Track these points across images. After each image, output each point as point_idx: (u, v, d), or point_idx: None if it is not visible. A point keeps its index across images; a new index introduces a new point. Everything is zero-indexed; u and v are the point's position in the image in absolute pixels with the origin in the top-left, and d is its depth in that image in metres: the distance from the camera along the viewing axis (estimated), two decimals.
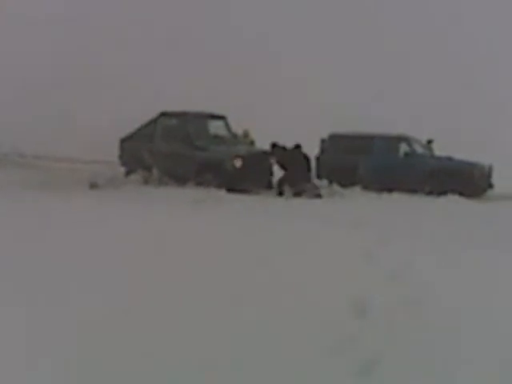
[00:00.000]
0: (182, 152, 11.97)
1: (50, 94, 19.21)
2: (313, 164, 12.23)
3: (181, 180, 11.75)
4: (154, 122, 12.70)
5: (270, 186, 12.05)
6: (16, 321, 3.62)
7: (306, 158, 11.75)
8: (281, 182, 11.43)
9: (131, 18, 20.98)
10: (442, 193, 11.15)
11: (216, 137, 12.78)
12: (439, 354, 3.26)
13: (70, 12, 21.31)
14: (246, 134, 13.77)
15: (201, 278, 4.41)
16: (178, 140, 12.17)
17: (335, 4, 19.87)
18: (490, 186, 12.36)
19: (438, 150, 12.86)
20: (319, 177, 12.63)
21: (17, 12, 21.40)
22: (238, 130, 13.55)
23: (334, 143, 13.12)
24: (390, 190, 11.50)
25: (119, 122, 12.98)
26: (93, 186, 11.61)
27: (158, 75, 18.72)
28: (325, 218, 7.69)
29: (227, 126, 13.17)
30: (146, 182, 12.18)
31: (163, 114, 12.65)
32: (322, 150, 13.22)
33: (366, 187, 11.94)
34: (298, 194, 10.99)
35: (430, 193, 11.48)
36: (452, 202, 10.30)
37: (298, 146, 11.72)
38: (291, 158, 11.49)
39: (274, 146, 11.85)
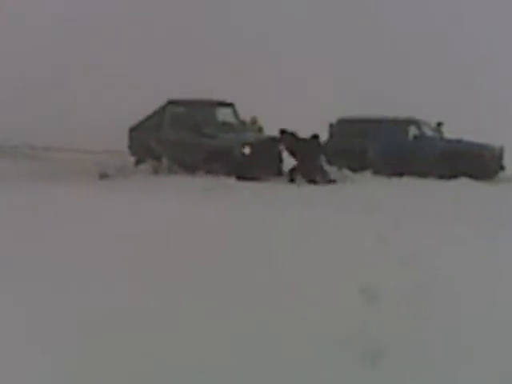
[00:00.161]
0: (191, 140, 11.95)
1: (51, 92, 19.27)
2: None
3: (190, 168, 11.74)
4: (161, 110, 12.68)
5: (279, 173, 12.01)
6: (29, 308, 3.66)
7: (320, 147, 11.71)
8: (293, 170, 11.35)
9: (131, 18, 20.94)
10: (453, 176, 11.06)
11: (224, 124, 12.74)
12: (450, 340, 3.24)
13: (70, 12, 21.29)
14: (253, 121, 13.71)
15: (212, 266, 4.42)
16: (187, 128, 12.15)
17: (335, 4, 19.72)
18: (502, 167, 12.24)
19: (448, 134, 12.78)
20: (328, 162, 12.57)
21: (17, 12, 21.38)
22: (246, 117, 13.51)
23: (343, 128, 13.06)
24: (400, 174, 11.44)
25: (125, 113, 12.97)
26: (103, 176, 11.64)
27: (158, 75, 18.68)
28: (336, 204, 7.65)
29: (235, 113, 13.12)
30: (155, 171, 12.18)
31: (171, 102, 12.62)
32: (331, 135, 13.16)
33: (376, 171, 11.88)
34: (310, 182, 10.92)
35: (440, 176, 11.40)
36: (463, 185, 10.21)
37: (315, 136, 11.66)
38: (307, 147, 11.40)
39: (282, 132, 11.79)
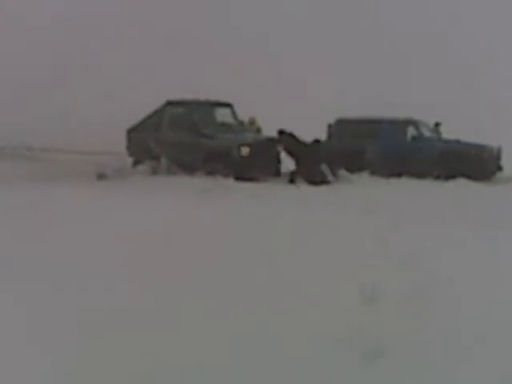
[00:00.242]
0: (189, 140, 11.93)
1: (51, 92, 19.25)
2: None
3: (189, 169, 11.72)
4: (160, 111, 12.66)
5: (278, 174, 12.00)
6: (28, 307, 3.65)
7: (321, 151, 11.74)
8: (294, 173, 11.33)
9: (131, 18, 20.94)
10: (451, 176, 11.07)
11: (223, 125, 12.72)
12: (450, 340, 3.23)
13: (70, 12, 21.29)
14: (252, 121, 13.70)
15: (210, 267, 4.41)
16: (185, 128, 12.13)
17: (335, 4, 19.75)
18: (500, 168, 12.25)
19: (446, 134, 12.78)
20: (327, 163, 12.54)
21: (17, 12, 21.38)
22: (246, 117, 13.50)
23: (341, 128, 13.05)
24: (398, 175, 11.44)
25: (122, 115, 12.95)
26: (100, 176, 11.62)
27: (158, 75, 18.68)
28: (335, 205, 7.65)
29: (233, 113, 13.11)
30: (154, 171, 12.17)
31: (169, 103, 12.61)
32: (329, 136, 13.15)
33: (374, 172, 11.87)
34: (310, 183, 10.89)
35: (438, 177, 11.41)
36: (461, 186, 10.22)
37: (317, 141, 11.65)
38: (305, 148, 11.40)
39: (281, 132, 11.78)
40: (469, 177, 10.91)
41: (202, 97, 12.77)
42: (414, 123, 12.52)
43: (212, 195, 8.84)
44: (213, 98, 12.90)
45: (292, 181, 11.12)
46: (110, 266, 4.47)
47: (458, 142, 12.13)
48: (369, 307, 3.68)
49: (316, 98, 16.47)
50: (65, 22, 21.02)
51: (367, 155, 12.38)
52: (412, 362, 3.03)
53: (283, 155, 11.98)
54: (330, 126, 13.23)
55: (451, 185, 10.39)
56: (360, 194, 9.22)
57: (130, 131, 12.97)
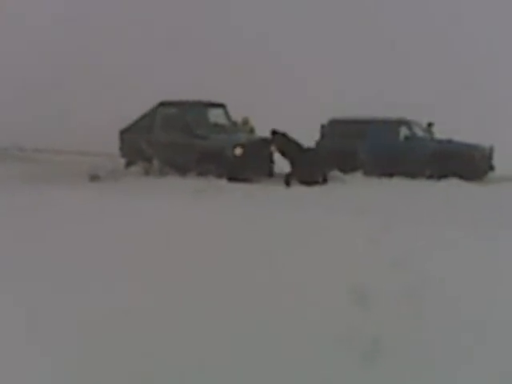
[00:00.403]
0: (182, 141, 11.91)
1: (50, 92, 19.21)
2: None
3: (181, 170, 11.70)
4: (153, 112, 12.63)
5: (271, 174, 12.00)
6: (16, 313, 3.64)
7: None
8: (289, 175, 11.32)
9: (131, 18, 20.92)
10: (443, 176, 11.12)
11: (216, 125, 12.71)
12: (441, 341, 3.25)
13: (70, 12, 21.24)
14: (245, 122, 13.69)
15: (204, 267, 4.41)
16: (178, 129, 12.10)
17: (335, 4, 19.78)
18: (491, 167, 12.31)
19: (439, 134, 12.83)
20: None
21: (17, 12, 21.31)
22: (238, 118, 13.49)
23: (334, 128, 13.08)
24: (390, 175, 11.48)
25: (120, 115, 12.92)
26: (93, 178, 11.59)
27: (158, 75, 18.66)
28: (327, 206, 7.66)
29: (227, 114, 13.10)
30: (146, 173, 12.15)
31: (162, 104, 12.58)
32: (322, 136, 13.18)
33: (366, 172, 11.91)
34: (303, 183, 10.89)
35: (430, 176, 11.46)
36: (453, 186, 10.27)
37: (283, 134, 11.68)
38: (299, 148, 11.42)
39: (274, 132, 11.78)
40: (461, 176, 10.97)
41: (202, 97, 12.76)
42: (406, 123, 12.56)
43: (205, 196, 8.83)
44: (212, 98, 12.88)
45: (288, 182, 11.07)
46: (103, 266, 4.46)
47: (450, 141, 12.18)
48: (360, 308, 3.70)
49: (316, 98, 16.49)
50: (65, 22, 20.98)
51: (360, 155, 12.42)
52: (404, 362, 3.05)
53: (276, 155, 11.99)
54: (322, 127, 13.26)
55: (443, 184, 10.43)
56: (352, 194, 9.25)
57: (123, 132, 12.93)
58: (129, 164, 12.67)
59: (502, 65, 18.32)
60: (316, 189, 10.28)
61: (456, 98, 16.81)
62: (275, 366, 3.04)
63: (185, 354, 3.12)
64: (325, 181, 11.08)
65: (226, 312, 3.63)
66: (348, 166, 12.04)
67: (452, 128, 11.97)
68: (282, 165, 11.81)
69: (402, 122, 12.57)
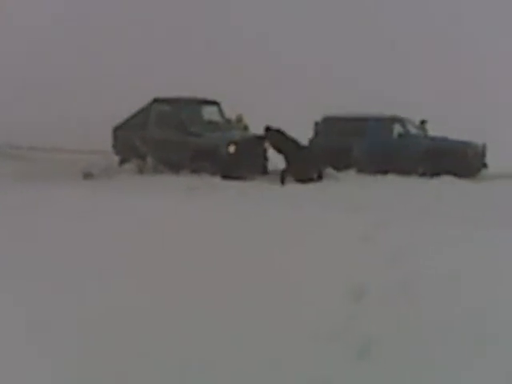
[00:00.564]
0: (176, 139, 11.87)
1: (49, 92, 19.13)
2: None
3: (175, 167, 11.67)
4: (146, 108, 12.57)
5: (265, 172, 12.00)
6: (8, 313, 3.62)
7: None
8: (284, 172, 11.31)
9: (131, 18, 20.89)
10: (436, 173, 11.16)
11: (210, 123, 12.67)
12: (436, 338, 3.25)
13: (70, 12, 21.19)
14: (239, 119, 13.67)
15: (197, 265, 4.40)
16: (172, 127, 12.05)
17: (335, 4, 19.80)
18: (484, 165, 12.36)
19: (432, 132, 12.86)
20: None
21: (17, 12, 21.23)
22: (232, 115, 13.47)
23: (328, 126, 13.08)
24: (384, 172, 11.50)
25: (117, 114, 12.89)
26: (86, 175, 11.54)
27: (158, 75, 18.61)
28: (321, 203, 7.67)
29: (221, 111, 13.07)
30: (140, 170, 12.09)
31: (156, 101, 12.53)
32: (316, 133, 13.19)
33: (360, 170, 11.93)
34: (298, 180, 10.88)
35: (424, 174, 11.50)
36: (447, 183, 10.31)
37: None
38: (294, 145, 11.43)
39: (267, 129, 11.76)
40: (454, 174, 11.01)
41: (201, 96, 12.74)
42: (399, 121, 12.58)
43: (199, 193, 8.82)
44: (212, 97, 12.86)
45: (283, 179, 11.05)
46: (96, 264, 4.45)
47: (443, 139, 12.22)
48: (356, 305, 3.70)
49: (316, 98, 16.51)
50: (65, 22, 20.94)
51: (354, 153, 12.43)
52: (400, 359, 3.05)
53: (270, 153, 11.99)
54: (316, 124, 13.26)
55: (437, 182, 10.48)
56: (347, 191, 9.26)
57: (116, 129, 12.86)
58: (122, 161, 12.61)
59: (502, 65, 18.39)
60: (310, 186, 10.28)
61: (456, 98, 16.86)
62: (270, 363, 3.04)
63: (178, 351, 3.12)
64: (320, 178, 11.10)
65: (220, 309, 3.63)
66: (342, 163, 12.05)
67: (451, 127, 12.02)
68: (276, 162, 11.83)
69: (395, 120, 12.59)
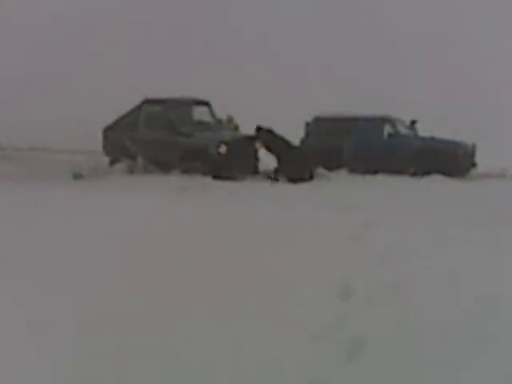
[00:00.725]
0: (166, 139, 11.84)
1: (49, 92, 19.04)
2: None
3: (166, 167, 11.65)
4: (136, 109, 12.54)
5: (255, 172, 11.99)
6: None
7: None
8: (276, 171, 11.32)
9: (131, 18, 20.85)
10: (427, 173, 11.22)
11: (200, 123, 12.65)
12: (426, 338, 3.26)
13: (70, 12, 21.12)
14: (230, 120, 13.66)
15: (188, 265, 4.39)
16: (162, 127, 12.02)
17: (335, 4, 19.85)
18: (474, 164, 12.45)
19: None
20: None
21: (17, 12, 21.11)
22: (222, 115, 13.45)
23: (319, 126, 13.11)
24: (375, 172, 11.54)
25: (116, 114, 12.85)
26: (76, 176, 11.48)
27: (158, 75, 18.57)
28: (312, 202, 7.68)
29: (211, 111, 13.06)
30: (130, 170, 12.05)
31: (146, 101, 12.49)
32: (307, 133, 13.21)
33: (351, 170, 11.97)
34: (290, 180, 10.89)
35: (414, 173, 11.56)
36: (437, 182, 10.37)
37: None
38: (285, 144, 11.44)
39: (258, 129, 11.76)
40: (444, 173, 11.08)
41: (201, 97, 12.71)
42: (390, 121, 12.64)
43: (190, 194, 8.80)
44: (212, 97, 12.84)
45: (276, 179, 11.05)
46: (87, 264, 4.43)
47: (433, 139, 12.29)
48: (345, 304, 3.70)
49: (316, 98, 16.52)
50: (65, 22, 20.86)
51: (344, 153, 12.46)
52: (389, 359, 3.06)
53: (262, 153, 11.99)
54: (307, 124, 13.28)
55: (427, 181, 10.54)
56: (338, 191, 9.28)
57: (107, 130, 12.81)
58: (113, 162, 12.56)
59: (502, 65, 18.50)
60: (301, 186, 10.29)
61: (456, 98, 16.94)
62: (260, 363, 3.04)
63: (168, 350, 3.11)
64: (311, 178, 11.12)
65: (211, 309, 3.62)
66: (333, 163, 12.08)
67: (451, 128, 12.08)
68: (266, 162, 11.83)
69: (385, 120, 12.65)
